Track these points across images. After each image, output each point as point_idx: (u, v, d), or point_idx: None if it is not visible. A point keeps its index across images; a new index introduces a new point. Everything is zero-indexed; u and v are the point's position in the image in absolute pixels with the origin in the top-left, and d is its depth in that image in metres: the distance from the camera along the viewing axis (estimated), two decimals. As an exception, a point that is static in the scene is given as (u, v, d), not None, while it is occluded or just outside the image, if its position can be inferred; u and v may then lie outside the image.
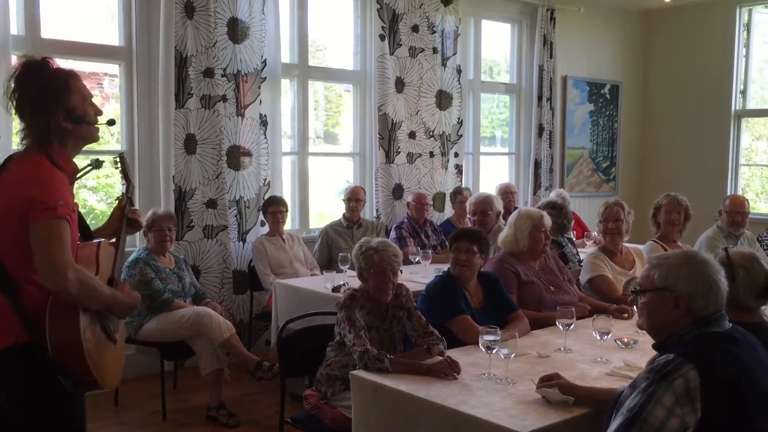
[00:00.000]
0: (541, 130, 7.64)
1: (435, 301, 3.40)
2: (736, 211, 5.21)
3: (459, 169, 6.96)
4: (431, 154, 6.74)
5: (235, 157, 5.38)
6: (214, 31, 5.19)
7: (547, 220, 3.90)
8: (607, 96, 8.44)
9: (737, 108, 8.17)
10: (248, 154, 5.44)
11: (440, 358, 2.87)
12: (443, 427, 2.45)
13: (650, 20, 8.61)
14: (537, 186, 7.68)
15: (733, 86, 8.08)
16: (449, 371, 2.71)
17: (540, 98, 7.60)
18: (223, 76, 5.25)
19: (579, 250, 5.44)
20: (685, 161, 8.38)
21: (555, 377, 2.55)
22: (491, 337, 2.72)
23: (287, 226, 5.70)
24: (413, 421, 2.55)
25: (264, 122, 5.52)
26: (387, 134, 6.40)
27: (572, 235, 5.91)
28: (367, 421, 2.71)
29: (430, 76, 6.63)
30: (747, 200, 5.35)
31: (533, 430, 2.24)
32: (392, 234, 5.88)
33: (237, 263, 5.41)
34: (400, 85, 6.44)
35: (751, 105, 8.26)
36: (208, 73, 5.19)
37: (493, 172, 7.88)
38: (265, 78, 5.49)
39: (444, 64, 6.70)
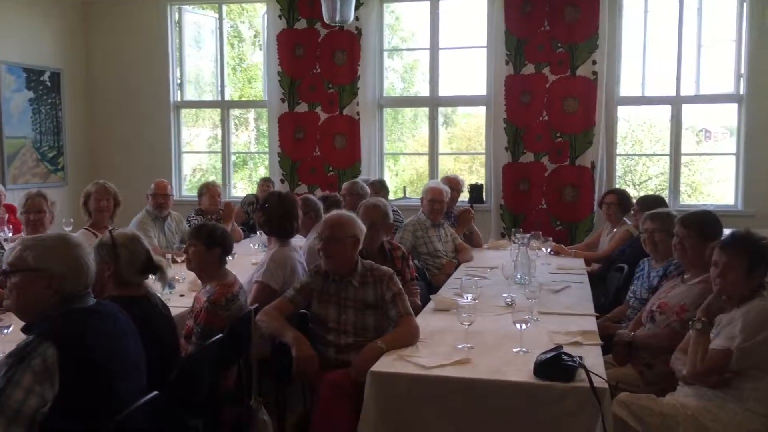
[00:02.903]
0: (-30, 117, 6.98)
1: None
2: (159, 193, 5.62)
3: None
4: None
5: None
6: None
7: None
8: (48, 83, 8.15)
9: (176, 100, 8.80)
10: None
11: None
12: None
13: (89, 10, 8.60)
14: (-29, 179, 7.01)
15: (170, 79, 8.66)
16: None
17: (-33, 83, 6.92)
18: None
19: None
20: (132, 149, 8.67)
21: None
22: None
23: None
24: None
25: None
26: None
27: (7, 230, 5.59)
28: None
29: None
30: (168, 184, 5.82)
31: None
32: None
33: None
34: None
35: (188, 96, 9.02)
36: None
37: None
38: None
39: None
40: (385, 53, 8.55)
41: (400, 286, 3.39)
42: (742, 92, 7.41)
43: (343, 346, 3.30)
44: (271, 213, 4.03)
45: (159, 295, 3.49)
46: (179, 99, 8.85)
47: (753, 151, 7.37)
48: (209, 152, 9.74)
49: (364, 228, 3.49)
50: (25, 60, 7.80)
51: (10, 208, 5.82)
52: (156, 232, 5.51)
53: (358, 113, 8.18)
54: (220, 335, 3.08)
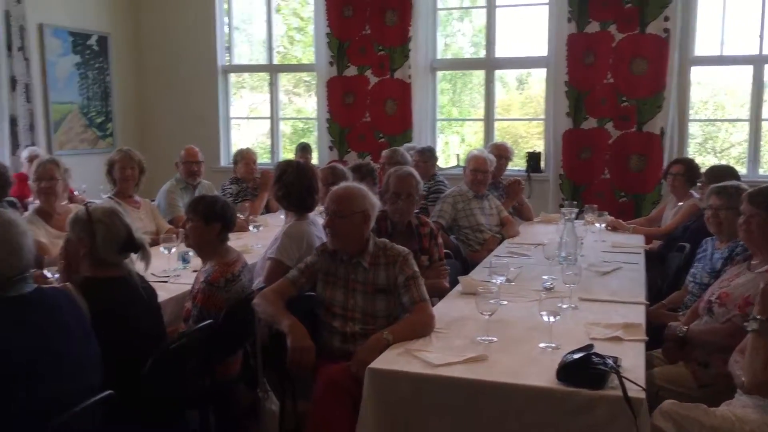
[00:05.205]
0: (14, 83, 6.90)
1: None
2: (191, 161, 5.39)
3: None
4: None
5: None
6: None
7: None
8: (95, 48, 8.03)
9: (224, 63, 8.56)
10: None
11: None
12: None
13: (136, -29, 8.44)
14: (15, 145, 6.95)
15: (217, 42, 8.42)
16: None
17: (10, 48, 6.83)
18: None
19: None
20: (180, 114, 8.49)
21: None
22: None
23: None
24: None
25: None
26: None
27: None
28: None
29: None
30: (198, 150, 5.57)
31: None
32: None
33: None
34: None
35: (239, 60, 8.76)
36: None
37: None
38: None
39: None
40: (441, 13, 8.05)
41: (416, 268, 3.01)
42: (836, 49, 6.60)
43: (349, 334, 2.96)
44: (288, 186, 3.69)
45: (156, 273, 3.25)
46: (227, 62, 8.62)
47: None
48: (254, 118, 9.41)
49: (376, 203, 3.11)
50: (70, 24, 7.68)
51: (20, 177, 5.71)
52: (185, 201, 5.28)
53: (409, 76, 7.76)
54: (209, 321, 2.80)
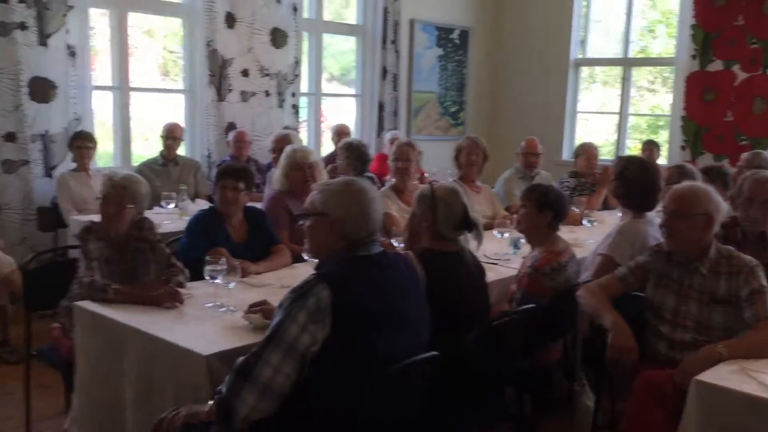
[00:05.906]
0: (384, 72, 7.71)
1: (194, 235, 3.47)
2: (530, 152, 5.49)
3: (296, 109, 6.98)
4: (267, 93, 6.71)
5: (41, 89, 5.19)
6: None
7: (303, 157, 4.01)
8: (457, 41, 8.57)
9: (576, 56, 8.50)
10: (54, 86, 5.26)
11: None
12: (143, 352, 2.55)
13: (503, -32, 8.79)
14: (381, 128, 7.78)
15: (572, 35, 8.38)
16: (170, 300, 2.80)
17: (384, 41, 7.65)
18: (21, 2, 5.01)
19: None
20: (528, 106, 8.66)
21: (262, 303, 2.68)
22: (212, 267, 2.83)
23: (107, 163, 5.63)
24: (122, 348, 2.63)
25: (72, 53, 5.33)
26: (218, 71, 6.32)
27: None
28: (86, 350, 2.77)
29: (264, 12, 6.54)
30: (538, 142, 5.63)
31: (214, 353, 2.36)
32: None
33: (42, 199, 5.27)
34: (230, 20, 6.33)
35: (592, 54, 8.64)
36: (2, -2, 4.99)
37: (343, 114, 7.98)
38: (72, 6, 5.28)
39: (279, 1, 6.62)
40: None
41: (764, 282, 2.68)
42: None
43: (678, 342, 2.76)
44: (630, 183, 3.56)
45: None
46: (580, 56, 8.54)
47: None
48: (600, 113, 9.15)
49: (723, 206, 2.84)
50: (437, 19, 8.30)
51: (381, 156, 6.33)
52: (521, 190, 5.39)
53: (788, 73, 6.89)
54: (532, 305, 2.85)
